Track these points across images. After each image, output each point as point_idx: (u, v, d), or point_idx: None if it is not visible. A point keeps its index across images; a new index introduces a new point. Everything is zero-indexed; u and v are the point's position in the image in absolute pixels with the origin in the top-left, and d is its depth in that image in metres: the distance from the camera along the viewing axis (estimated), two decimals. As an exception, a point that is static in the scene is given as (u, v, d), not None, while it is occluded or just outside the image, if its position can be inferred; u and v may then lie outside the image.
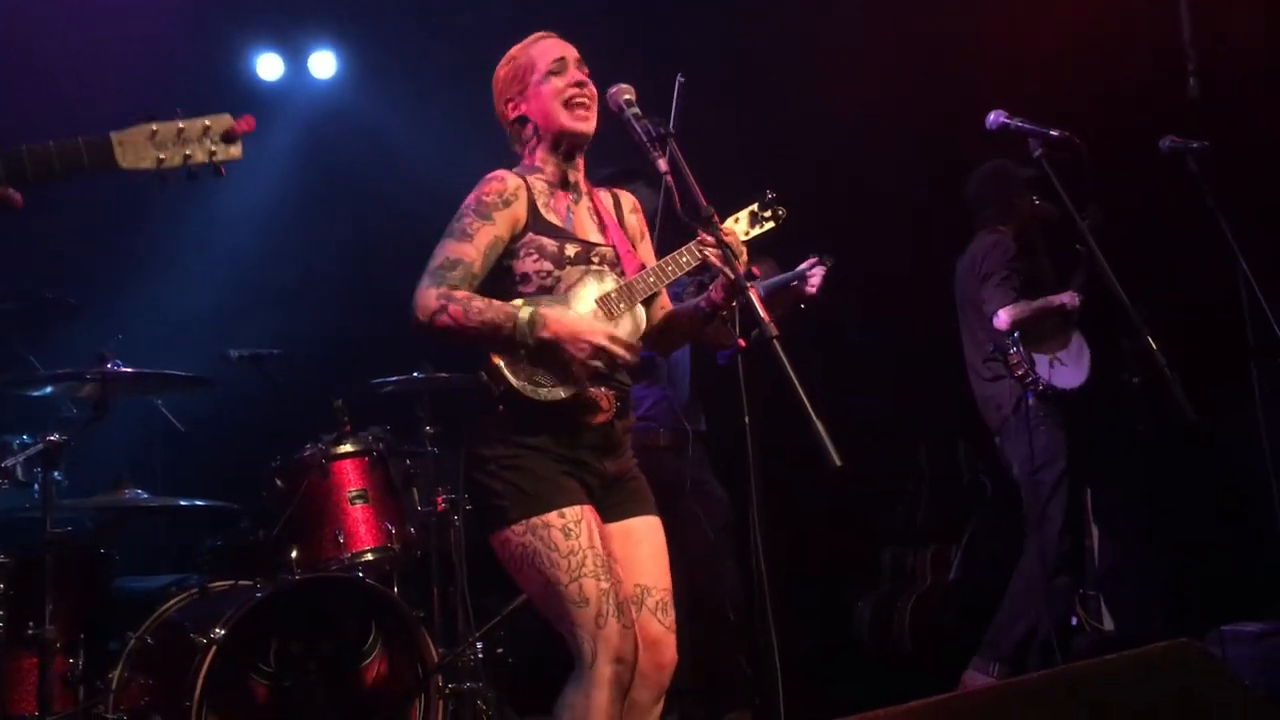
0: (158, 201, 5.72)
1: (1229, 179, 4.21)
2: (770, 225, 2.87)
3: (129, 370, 3.82)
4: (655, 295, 2.86)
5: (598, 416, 2.75)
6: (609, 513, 2.79)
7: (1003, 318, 4.62)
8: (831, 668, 5.13)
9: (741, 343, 2.73)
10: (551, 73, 2.85)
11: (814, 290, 4.11)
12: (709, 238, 2.67)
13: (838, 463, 2.30)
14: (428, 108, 5.82)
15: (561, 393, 2.69)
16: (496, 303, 2.70)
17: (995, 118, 3.69)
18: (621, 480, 2.83)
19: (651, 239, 3.12)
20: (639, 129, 2.74)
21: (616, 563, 2.72)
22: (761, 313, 2.50)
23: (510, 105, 2.91)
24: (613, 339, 2.67)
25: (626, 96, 2.79)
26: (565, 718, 2.59)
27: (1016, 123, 3.65)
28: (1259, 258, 3.86)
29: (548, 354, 2.68)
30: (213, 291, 5.72)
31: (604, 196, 3.00)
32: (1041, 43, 5.12)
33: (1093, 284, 4.51)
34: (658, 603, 2.77)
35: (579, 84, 2.84)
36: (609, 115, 2.85)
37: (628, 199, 3.06)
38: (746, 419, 2.68)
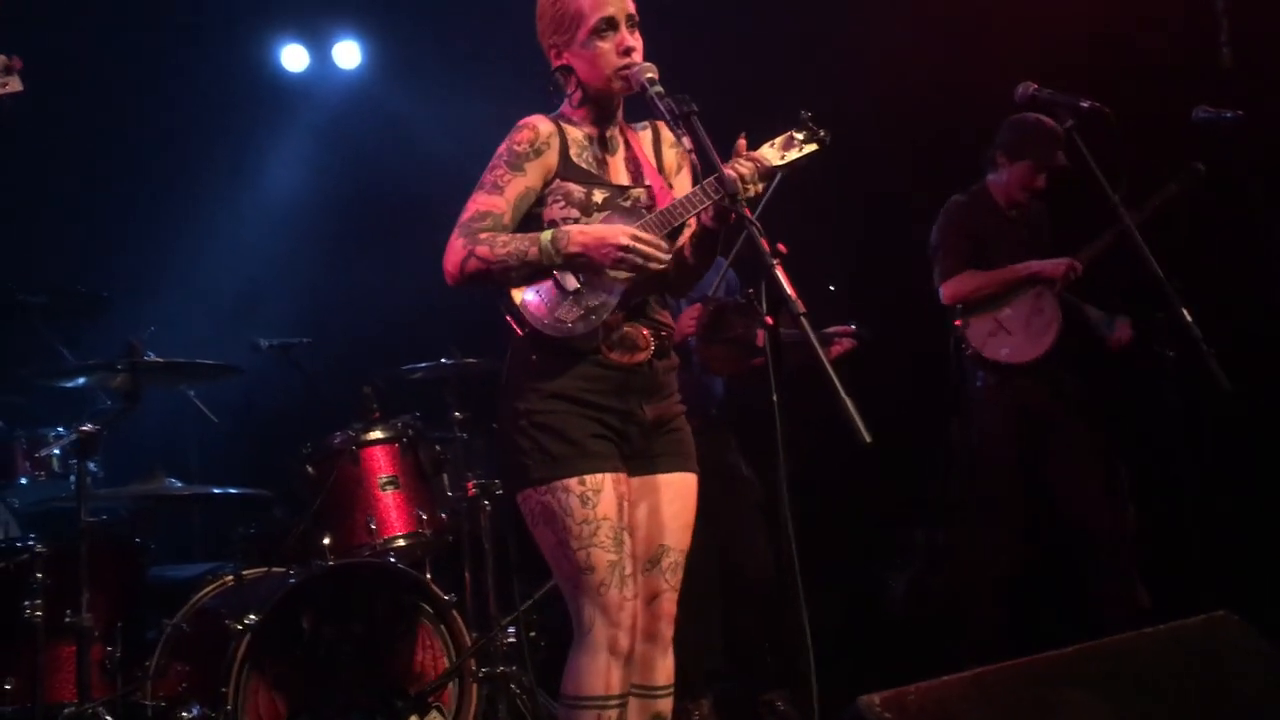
0: (187, 194, 5.84)
1: (1263, 149, 4.15)
2: (812, 148, 2.77)
3: (159, 360, 3.85)
4: (681, 230, 2.77)
5: (636, 355, 2.73)
6: (645, 463, 2.78)
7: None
8: (865, 645, 5.10)
9: (769, 320, 2.71)
10: (597, 33, 2.73)
11: (834, 355, 4.18)
12: (740, 161, 2.66)
13: (868, 439, 2.27)
14: (453, 96, 5.81)
15: (583, 327, 2.66)
16: (520, 234, 2.70)
17: (1024, 89, 3.65)
18: (664, 427, 2.80)
19: None
20: (662, 107, 2.69)
21: (643, 516, 2.75)
22: (789, 289, 2.47)
23: (554, 51, 2.82)
24: (636, 237, 2.63)
25: (649, 75, 2.74)
26: (567, 680, 2.67)
27: (1046, 94, 3.61)
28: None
29: (579, 273, 2.66)
30: (242, 282, 5.76)
31: (644, 135, 2.94)
32: (1071, 12, 5.04)
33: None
34: (671, 564, 2.79)
35: (627, 51, 2.74)
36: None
37: (668, 134, 2.96)
38: (775, 396, 2.66)
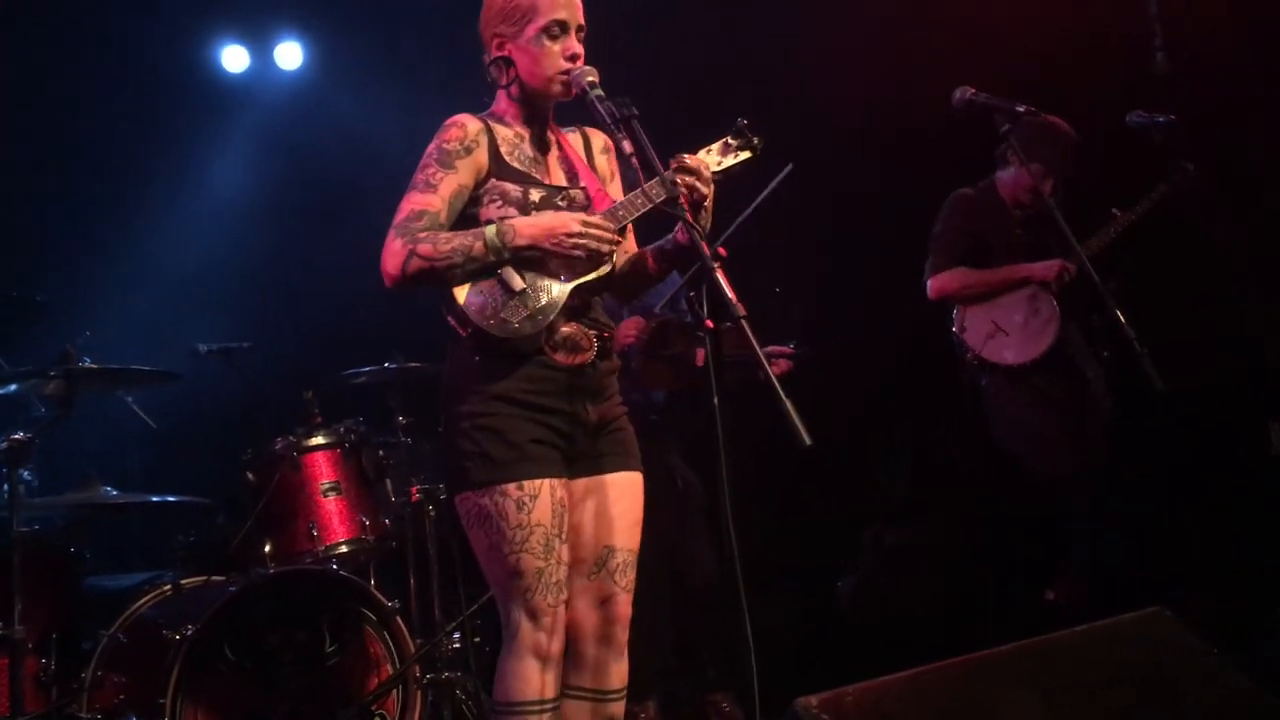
0: (126, 196, 5.75)
1: (1196, 153, 4.23)
2: (746, 155, 2.80)
3: (94, 366, 3.77)
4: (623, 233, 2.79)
5: (579, 357, 2.73)
6: (589, 464, 2.78)
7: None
8: (812, 647, 5.13)
9: (709, 323, 2.71)
10: (547, 33, 2.74)
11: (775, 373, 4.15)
12: (680, 168, 2.66)
13: (807, 442, 2.30)
14: (394, 98, 5.78)
15: (529, 328, 2.66)
16: (463, 231, 2.68)
17: (961, 94, 3.69)
18: (606, 428, 2.81)
19: None
20: (603, 110, 2.70)
21: (589, 518, 2.76)
22: (729, 292, 2.48)
23: (496, 41, 2.81)
24: (586, 222, 2.64)
25: (590, 79, 2.75)
26: (498, 686, 2.69)
27: (983, 98, 3.65)
28: (1226, 230, 3.89)
29: (524, 272, 2.65)
30: (181, 286, 5.68)
31: (574, 139, 2.95)
32: (1006, 15, 5.10)
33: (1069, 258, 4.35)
34: (619, 564, 2.79)
35: (573, 57, 2.75)
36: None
37: (599, 138, 2.98)
38: (715, 400, 2.67)
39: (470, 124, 2.77)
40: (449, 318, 2.70)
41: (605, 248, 2.67)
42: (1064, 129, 4.29)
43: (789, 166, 3.69)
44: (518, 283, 2.67)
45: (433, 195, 2.69)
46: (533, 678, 2.63)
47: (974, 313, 4.49)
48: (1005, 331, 4.42)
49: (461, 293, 2.67)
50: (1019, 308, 4.42)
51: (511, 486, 2.63)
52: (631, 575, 2.82)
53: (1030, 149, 4.30)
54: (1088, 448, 4.37)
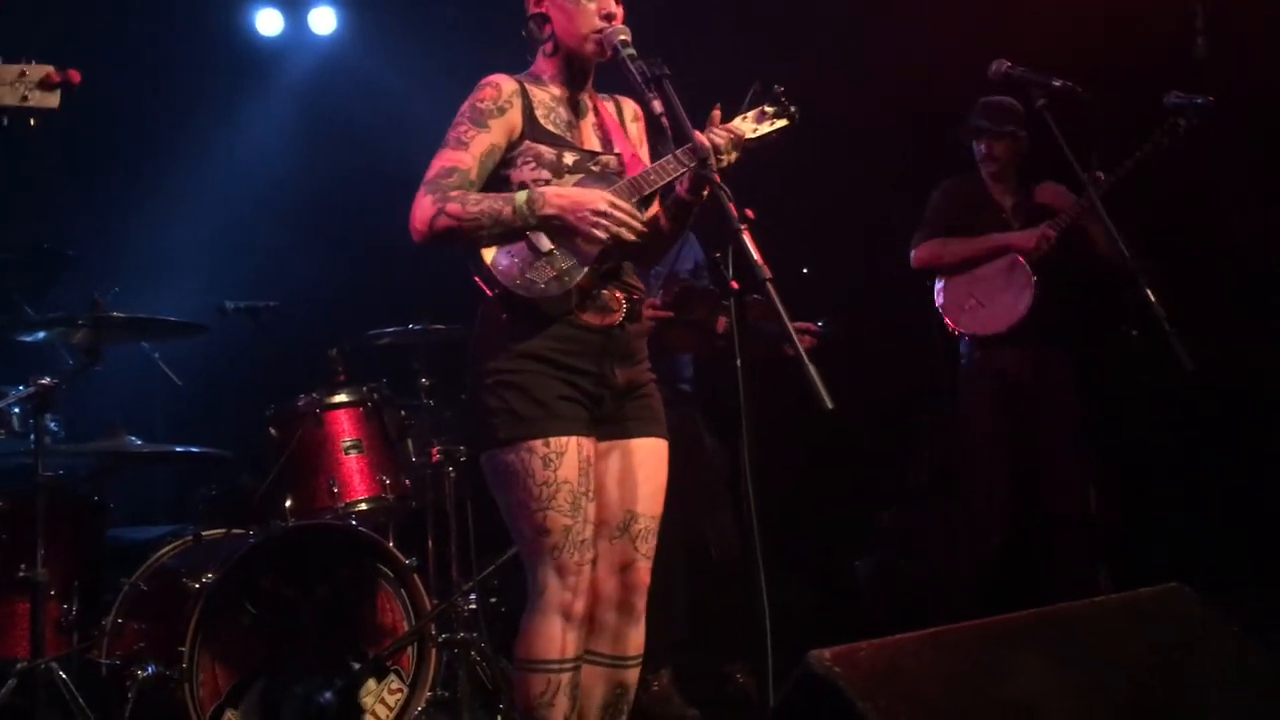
0: (158, 155, 5.77)
1: (1233, 136, 4.18)
2: (783, 122, 2.80)
3: (122, 315, 3.79)
4: (653, 199, 2.79)
5: (608, 318, 2.72)
6: (616, 428, 2.77)
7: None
8: (829, 628, 5.12)
9: (734, 285, 2.70)
10: None
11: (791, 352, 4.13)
12: (716, 131, 2.67)
13: (829, 405, 2.28)
14: (427, 63, 5.78)
15: (555, 288, 2.64)
16: (493, 193, 2.68)
17: (998, 67, 3.68)
18: (634, 393, 2.80)
19: None
20: (634, 70, 2.68)
21: (612, 482, 2.74)
22: (755, 254, 2.46)
23: None
24: (613, 204, 2.63)
25: (622, 37, 2.73)
26: (520, 643, 2.68)
27: (1019, 72, 3.63)
28: (1263, 213, 3.84)
29: (552, 236, 2.64)
30: (210, 245, 5.71)
31: (608, 105, 2.94)
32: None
33: (1083, 234, 4.31)
34: (641, 530, 2.78)
35: (608, 16, 2.74)
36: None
37: (629, 105, 2.98)
38: (739, 361, 2.65)
39: (505, 84, 2.76)
40: (475, 277, 2.70)
41: (626, 234, 2.65)
42: (994, 102, 4.40)
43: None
44: (545, 244, 2.66)
45: (464, 153, 2.69)
46: (557, 636, 2.63)
47: (954, 284, 4.50)
48: (981, 303, 4.41)
49: (489, 253, 2.66)
50: (997, 278, 4.40)
51: (538, 443, 2.62)
52: (653, 542, 2.80)
53: (973, 130, 4.50)
54: (1036, 429, 4.36)
